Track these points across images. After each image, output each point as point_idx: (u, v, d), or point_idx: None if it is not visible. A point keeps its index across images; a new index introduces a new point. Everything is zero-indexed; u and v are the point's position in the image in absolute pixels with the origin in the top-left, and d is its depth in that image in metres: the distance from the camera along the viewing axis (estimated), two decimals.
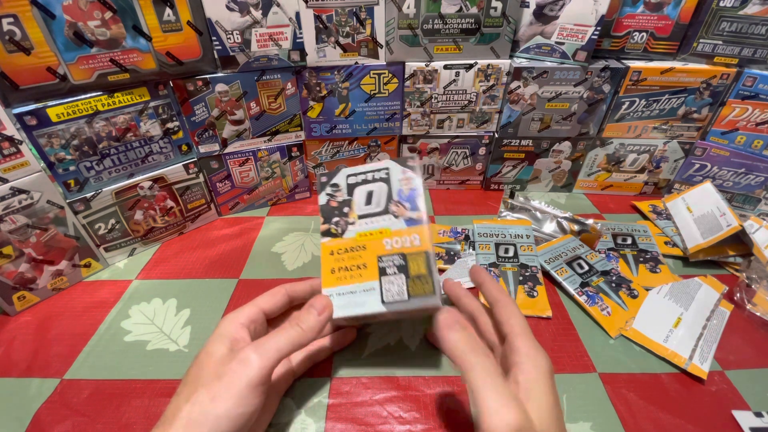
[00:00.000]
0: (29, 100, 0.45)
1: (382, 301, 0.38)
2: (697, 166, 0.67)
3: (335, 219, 0.42)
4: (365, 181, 0.42)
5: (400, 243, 0.39)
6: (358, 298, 0.38)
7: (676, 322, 0.48)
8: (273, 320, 0.40)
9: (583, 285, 0.52)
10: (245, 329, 0.35)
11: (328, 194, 0.43)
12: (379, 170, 0.42)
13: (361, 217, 0.41)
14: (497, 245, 0.57)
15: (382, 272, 0.39)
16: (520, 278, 0.53)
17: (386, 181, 0.42)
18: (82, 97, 0.47)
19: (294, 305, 0.41)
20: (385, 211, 0.41)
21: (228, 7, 0.51)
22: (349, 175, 0.43)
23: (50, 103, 0.46)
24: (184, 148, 0.58)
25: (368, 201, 0.42)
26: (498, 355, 0.37)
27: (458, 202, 0.70)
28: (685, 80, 0.60)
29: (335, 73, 0.59)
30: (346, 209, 0.42)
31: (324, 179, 0.44)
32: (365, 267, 0.39)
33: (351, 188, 0.43)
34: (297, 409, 0.40)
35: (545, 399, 0.30)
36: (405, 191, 0.41)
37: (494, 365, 0.32)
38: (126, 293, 0.53)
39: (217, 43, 0.53)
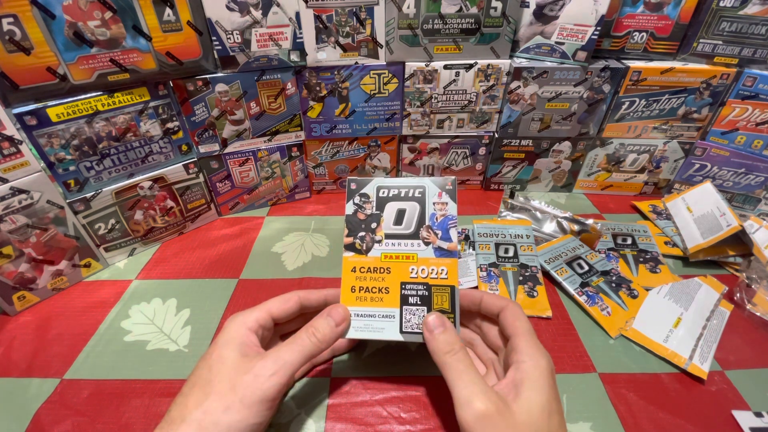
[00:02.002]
0: (29, 100, 0.45)
1: (401, 331, 0.37)
2: (697, 166, 0.67)
3: (361, 234, 0.40)
4: (397, 197, 0.40)
5: (426, 272, 0.38)
6: (377, 324, 0.38)
7: (676, 322, 0.48)
8: (280, 324, 0.40)
9: (583, 285, 0.52)
10: (254, 334, 0.35)
11: (356, 204, 0.41)
12: (414, 187, 0.40)
13: (388, 236, 0.40)
14: (497, 245, 0.57)
15: (404, 300, 0.38)
16: (520, 278, 0.53)
17: (420, 201, 0.40)
18: (82, 97, 0.47)
19: (305, 313, 0.41)
20: (415, 235, 0.39)
21: (228, 7, 0.51)
22: (380, 187, 0.41)
23: (50, 103, 0.46)
24: (184, 148, 0.58)
25: (398, 220, 0.40)
26: (501, 357, 0.37)
27: (458, 202, 0.70)
28: (685, 80, 0.60)
29: (335, 73, 0.59)
30: (373, 225, 0.40)
31: (354, 186, 0.41)
32: (387, 292, 0.38)
33: (381, 202, 0.40)
34: (297, 409, 0.40)
35: (538, 396, 0.30)
36: (438, 217, 0.39)
37: (469, 362, 0.33)
38: (126, 293, 0.53)
39: (217, 43, 0.53)
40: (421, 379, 0.42)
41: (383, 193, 0.41)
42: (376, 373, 0.43)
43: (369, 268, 0.39)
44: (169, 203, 0.60)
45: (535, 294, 0.51)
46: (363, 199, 0.41)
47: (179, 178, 0.59)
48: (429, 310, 0.37)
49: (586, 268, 0.54)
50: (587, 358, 0.45)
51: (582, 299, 0.50)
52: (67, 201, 0.51)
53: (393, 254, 0.39)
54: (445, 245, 0.39)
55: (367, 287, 0.39)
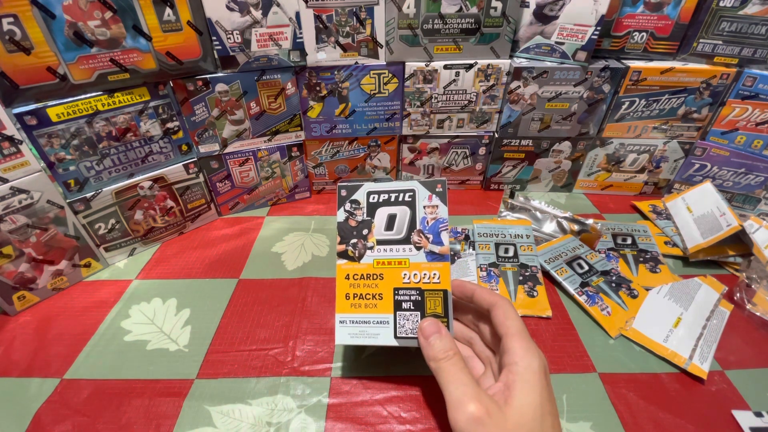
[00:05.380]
0: (29, 100, 0.45)
1: (395, 336, 0.38)
2: (697, 166, 0.67)
3: (353, 241, 0.40)
4: (387, 202, 0.40)
5: (419, 277, 0.38)
6: (372, 330, 0.38)
7: (676, 322, 0.48)
8: None
9: (583, 285, 0.52)
10: None
11: (347, 211, 0.41)
12: (403, 191, 0.40)
13: (380, 242, 0.40)
14: (497, 245, 0.57)
15: (398, 306, 0.38)
16: (520, 278, 0.53)
17: (410, 205, 0.40)
18: (82, 97, 0.47)
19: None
20: (407, 240, 0.39)
21: (228, 7, 0.51)
22: (370, 193, 0.41)
23: (50, 103, 0.46)
24: (184, 148, 0.58)
25: (389, 226, 0.40)
26: (497, 357, 0.37)
27: (458, 202, 0.70)
28: (685, 80, 0.60)
29: (335, 73, 0.59)
30: (365, 231, 0.40)
31: (344, 193, 0.41)
32: (381, 298, 0.39)
33: (372, 208, 0.40)
34: (297, 409, 0.40)
35: (530, 397, 0.30)
36: (429, 221, 0.39)
37: (462, 365, 0.33)
38: (126, 293, 0.53)
39: (217, 43, 0.53)
40: (421, 378, 0.42)
41: (374, 198, 0.41)
42: (376, 372, 0.43)
43: (362, 274, 0.39)
44: (169, 203, 0.60)
45: (535, 294, 0.51)
46: (354, 206, 0.41)
47: (179, 178, 0.59)
48: (422, 315, 0.37)
49: (586, 268, 0.54)
50: (587, 358, 0.45)
51: (582, 299, 0.50)
52: (67, 201, 0.51)
53: (385, 260, 0.39)
54: (436, 249, 0.39)
55: (361, 294, 0.39)
